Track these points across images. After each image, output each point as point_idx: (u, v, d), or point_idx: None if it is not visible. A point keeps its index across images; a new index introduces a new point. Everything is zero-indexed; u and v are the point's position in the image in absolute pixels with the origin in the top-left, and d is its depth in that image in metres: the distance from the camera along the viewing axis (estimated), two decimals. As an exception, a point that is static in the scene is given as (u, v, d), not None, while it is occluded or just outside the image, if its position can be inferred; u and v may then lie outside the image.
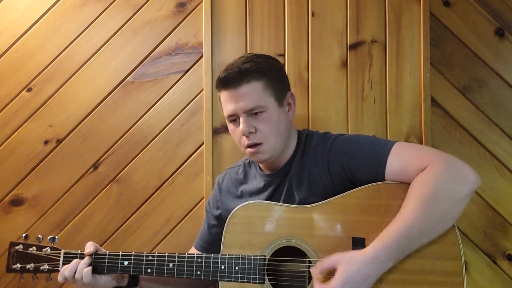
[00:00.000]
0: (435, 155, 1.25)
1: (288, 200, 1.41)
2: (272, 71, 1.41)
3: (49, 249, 1.43)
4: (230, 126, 1.44)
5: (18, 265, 1.43)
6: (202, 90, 1.90)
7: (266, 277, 1.32)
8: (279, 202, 1.42)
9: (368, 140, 1.36)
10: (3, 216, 1.92)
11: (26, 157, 1.93)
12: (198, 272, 1.36)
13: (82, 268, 1.37)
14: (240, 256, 1.34)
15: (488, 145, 1.85)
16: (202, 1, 1.90)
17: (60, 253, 1.43)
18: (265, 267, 1.32)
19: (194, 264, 1.36)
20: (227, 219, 1.38)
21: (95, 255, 1.41)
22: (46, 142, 1.93)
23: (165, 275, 1.38)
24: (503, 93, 1.86)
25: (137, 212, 1.91)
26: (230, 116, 1.40)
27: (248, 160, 1.58)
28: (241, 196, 1.52)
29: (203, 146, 1.88)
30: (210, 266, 1.35)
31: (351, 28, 1.87)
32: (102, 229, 1.90)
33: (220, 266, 1.34)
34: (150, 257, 1.39)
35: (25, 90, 1.94)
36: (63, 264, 1.41)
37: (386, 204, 1.27)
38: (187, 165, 1.90)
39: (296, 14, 1.88)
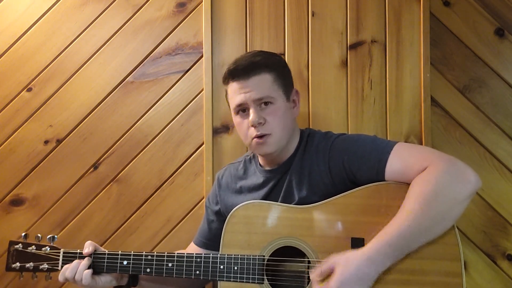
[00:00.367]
0: (436, 156, 1.24)
1: (287, 197, 1.41)
2: (280, 66, 1.44)
3: (49, 248, 1.43)
4: (237, 119, 1.43)
5: (18, 264, 1.43)
6: (202, 90, 1.90)
7: (265, 277, 1.32)
8: (278, 199, 1.42)
9: (369, 140, 1.36)
10: (3, 216, 1.92)
11: (26, 157, 1.93)
12: (197, 272, 1.36)
13: (82, 269, 1.37)
14: (239, 256, 1.34)
15: (488, 145, 1.85)
16: (202, 1, 1.90)
17: (59, 253, 1.43)
18: (264, 267, 1.32)
19: (193, 264, 1.36)
20: (227, 219, 1.38)
21: (94, 255, 1.41)
22: (46, 142, 1.93)
23: (164, 275, 1.38)
24: (503, 93, 1.85)
25: (137, 212, 1.91)
26: (238, 106, 1.40)
27: (249, 157, 1.59)
28: (240, 192, 1.52)
29: (203, 146, 1.88)
30: (209, 266, 1.35)
31: (351, 28, 1.87)
32: (102, 229, 1.91)
33: (219, 266, 1.34)
34: (149, 257, 1.39)
35: (25, 90, 1.94)
36: (63, 263, 1.41)
37: (386, 205, 1.27)
38: (187, 165, 1.90)
39: (296, 14, 1.88)
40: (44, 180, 1.92)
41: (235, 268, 1.33)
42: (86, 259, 1.39)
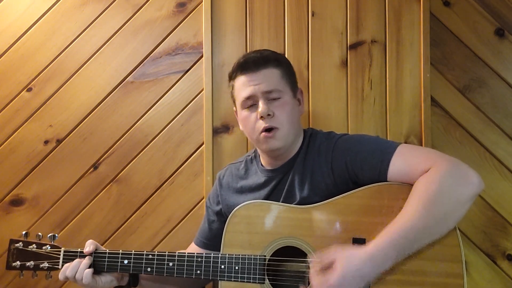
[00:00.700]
0: (439, 157, 1.24)
1: (289, 198, 1.41)
2: (287, 64, 1.48)
3: (49, 247, 1.43)
4: (244, 113, 1.43)
5: (18, 262, 1.43)
6: (202, 90, 1.90)
7: (266, 277, 1.32)
8: (279, 199, 1.42)
9: (372, 140, 1.37)
10: (3, 216, 1.92)
11: (26, 157, 1.93)
12: (198, 272, 1.36)
13: (83, 268, 1.37)
14: (240, 256, 1.33)
15: (488, 145, 1.85)
16: (202, 1, 1.90)
17: (60, 251, 1.43)
18: (265, 267, 1.32)
19: (194, 263, 1.36)
20: (228, 219, 1.38)
21: (95, 254, 1.41)
22: (46, 142, 1.93)
23: (165, 274, 1.38)
24: (503, 93, 1.86)
25: (137, 212, 1.91)
26: (247, 99, 1.40)
27: (250, 157, 1.59)
28: (242, 192, 1.52)
29: (203, 146, 1.88)
30: (210, 265, 1.35)
31: (351, 28, 1.87)
32: (102, 229, 1.90)
33: (220, 266, 1.34)
34: (150, 256, 1.39)
35: (25, 90, 1.94)
36: (63, 262, 1.42)
37: (388, 205, 1.27)
38: (187, 165, 1.90)
39: (296, 14, 1.88)
40: (44, 180, 1.92)
41: (236, 268, 1.33)
42: (87, 258, 1.39)
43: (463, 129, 1.86)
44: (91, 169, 1.92)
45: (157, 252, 1.40)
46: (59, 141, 1.93)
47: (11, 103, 1.94)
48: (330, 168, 1.37)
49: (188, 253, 1.39)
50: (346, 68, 1.87)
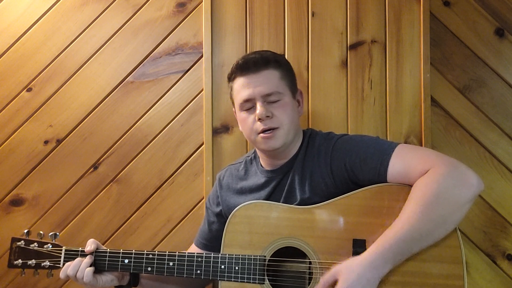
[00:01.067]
0: (438, 158, 1.24)
1: (289, 198, 1.41)
2: (287, 65, 1.48)
3: (51, 246, 1.44)
4: (242, 115, 1.42)
5: (20, 260, 1.43)
6: (202, 90, 1.90)
7: (266, 277, 1.32)
8: (279, 199, 1.42)
9: (372, 141, 1.36)
10: (3, 216, 1.92)
11: (26, 157, 1.93)
12: (198, 272, 1.36)
13: (84, 267, 1.37)
14: (240, 256, 1.33)
15: (488, 145, 1.85)
16: (202, 1, 1.90)
17: (61, 250, 1.43)
18: (265, 267, 1.32)
19: (194, 263, 1.36)
20: (228, 219, 1.38)
21: (96, 253, 1.41)
22: (46, 142, 1.93)
23: (165, 274, 1.38)
24: (503, 93, 1.86)
25: (137, 212, 1.91)
26: (245, 101, 1.40)
27: (249, 157, 1.58)
28: (242, 192, 1.52)
29: (203, 146, 1.88)
30: (210, 265, 1.35)
31: (351, 28, 1.87)
32: (102, 229, 1.90)
33: (220, 266, 1.34)
34: (151, 256, 1.39)
35: (25, 90, 1.94)
36: (64, 261, 1.42)
37: (388, 206, 1.27)
38: (187, 165, 1.90)
39: (296, 14, 1.88)
40: (44, 180, 1.92)
41: (236, 268, 1.33)
42: (88, 257, 1.40)
43: (463, 129, 1.86)
44: (91, 169, 1.92)
45: (158, 251, 1.40)
46: (59, 141, 1.93)
47: (11, 103, 1.94)
48: (330, 169, 1.36)
49: (188, 253, 1.39)
50: (346, 68, 1.87)
